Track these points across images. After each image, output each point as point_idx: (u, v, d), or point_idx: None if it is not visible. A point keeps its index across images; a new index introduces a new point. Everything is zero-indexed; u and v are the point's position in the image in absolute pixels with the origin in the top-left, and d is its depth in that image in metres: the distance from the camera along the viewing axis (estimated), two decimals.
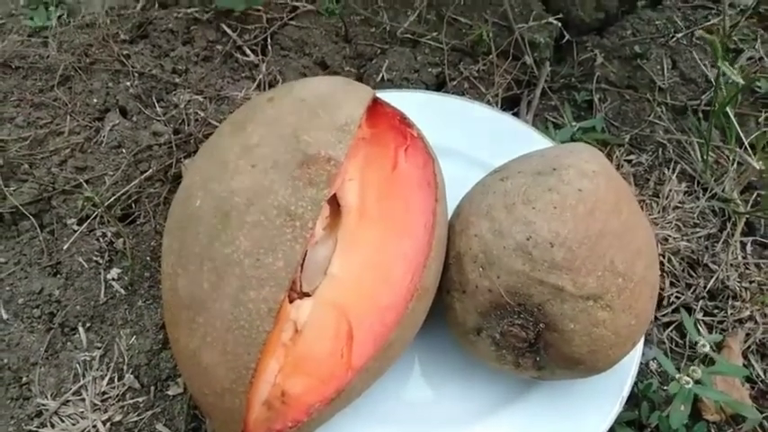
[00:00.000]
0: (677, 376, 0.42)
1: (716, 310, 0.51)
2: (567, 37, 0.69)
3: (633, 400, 0.45)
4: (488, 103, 0.62)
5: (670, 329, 0.50)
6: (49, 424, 0.45)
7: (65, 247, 0.53)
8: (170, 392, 0.46)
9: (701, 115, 0.62)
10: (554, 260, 0.35)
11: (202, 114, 0.61)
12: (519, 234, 0.36)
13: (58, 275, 0.52)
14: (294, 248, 0.32)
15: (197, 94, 0.63)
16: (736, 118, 0.60)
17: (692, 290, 0.52)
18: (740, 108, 0.63)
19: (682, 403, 0.41)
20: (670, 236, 0.54)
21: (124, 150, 0.59)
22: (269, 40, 0.67)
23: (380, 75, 0.64)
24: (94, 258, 0.53)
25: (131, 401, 0.46)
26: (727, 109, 0.60)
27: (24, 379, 0.47)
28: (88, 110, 0.62)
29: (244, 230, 0.32)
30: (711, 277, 0.52)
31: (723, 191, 0.57)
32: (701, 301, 0.51)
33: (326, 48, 0.67)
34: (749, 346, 0.49)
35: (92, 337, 0.49)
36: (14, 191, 0.55)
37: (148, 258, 0.53)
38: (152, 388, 0.47)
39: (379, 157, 0.39)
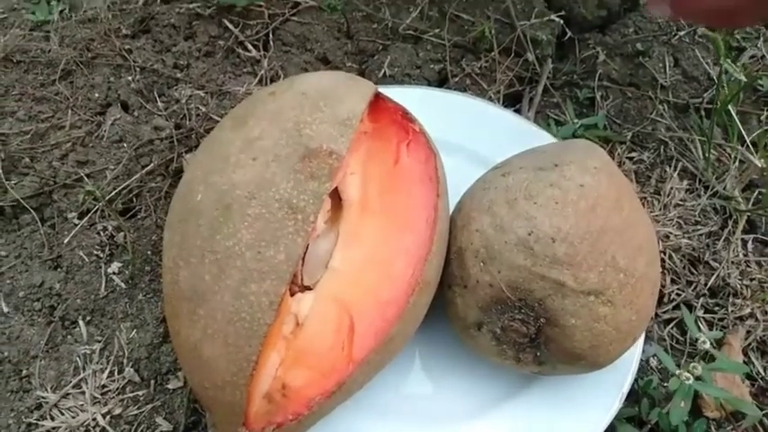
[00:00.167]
0: (677, 372, 0.42)
1: (716, 308, 0.51)
2: (570, 34, 0.69)
3: (633, 396, 0.45)
4: (490, 99, 0.62)
5: (671, 326, 0.50)
6: (48, 417, 0.45)
7: (65, 241, 0.53)
8: (170, 386, 0.46)
9: (702, 113, 0.62)
10: (555, 255, 0.35)
11: (204, 109, 0.61)
12: (520, 229, 0.36)
13: (59, 269, 0.52)
14: (296, 242, 0.32)
15: (198, 89, 0.63)
16: (737, 116, 0.60)
17: (692, 287, 0.52)
18: (742, 106, 0.63)
19: (682, 400, 0.41)
20: (671, 233, 0.54)
21: (125, 145, 0.59)
22: (271, 35, 0.67)
23: (382, 71, 0.64)
24: (95, 252, 0.53)
25: (131, 395, 0.46)
26: (729, 107, 0.60)
27: (24, 372, 0.47)
28: (89, 104, 0.62)
29: (245, 223, 0.32)
30: (712, 275, 0.52)
31: (724, 188, 0.57)
32: (701, 299, 0.51)
33: (328, 43, 0.67)
34: (750, 344, 0.49)
35: (92, 330, 0.49)
36: (15, 184, 0.55)
37: (149, 252, 0.53)
38: (152, 381, 0.47)
39: (381, 152, 0.39)
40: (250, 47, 0.66)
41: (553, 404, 0.42)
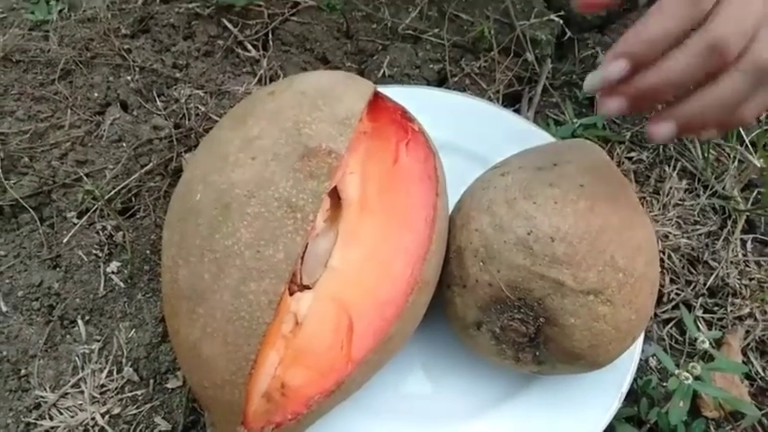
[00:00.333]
0: (677, 372, 0.42)
1: (716, 308, 0.51)
2: (569, 34, 0.69)
3: (632, 396, 0.45)
4: (490, 99, 0.62)
5: (670, 326, 0.50)
6: (47, 416, 0.45)
7: (64, 241, 0.53)
8: (169, 385, 0.46)
9: None
10: (555, 255, 0.35)
11: (203, 109, 0.61)
12: (520, 229, 0.36)
13: (58, 268, 0.52)
14: (295, 240, 0.32)
15: (198, 88, 0.63)
16: None
17: (692, 287, 0.52)
18: None
19: (681, 399, 0.41)
20: (670, 233, 0.54)
21: (124, 144, 0.59)
22: (270, 35, 0.67)
23: (382, 71, 0.64)
24: (94, 251, 0.53)
25: (130, 394, 0.46)
26: None
27: (23, 371, 0.47)
28: (89, 104, 0.62)
29: (244, 222, 0.32)
30: (711, 274, 0.52)
31: (724, 188, 0.57)
32: (700, 299, 0.51)
33: (328, 43, 0.67)
34: (749, 344, 0.49)
35: (91, 329, 0.49)
36: (15, 184, 0.55)
37: (148, 252, 0.53)
38: (151, 381, 0.47)
39: (380, 151, 0.39)
40: (249, 47, 0.66)
41: (552, 404, 0.42)
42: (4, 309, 0.49)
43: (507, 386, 0.43)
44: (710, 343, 0.44)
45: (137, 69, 0.64)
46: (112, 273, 0.52)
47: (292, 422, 0.33)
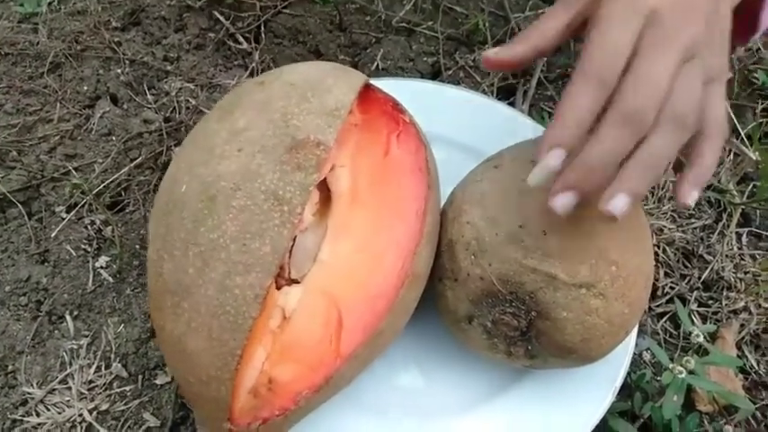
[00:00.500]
0: (671, 367, 0.41)
1: (710, 301, 0.51)
2: None
3: (626, 390, 0.45)
4: (484, 92, 0.62)
5: (664, 320, 0.50)
6: (34, 413, 0.45)
7: (53, 235, 0.52)
8: (158, 381, 0.46)
9: None
10: (547, 248, 0.35)
11: (194, 102, 0.60)
12: (512, 222, 0.36)
13: (46, 263, 0.51)
14: (281, 234, 0.31)
15: (188, 81, 0.62)
16: (732, 109, 0.60)
17: (686, 280, 0.52)
18: (737, 99, 0.62)
19: (675, 393, 0.41)
20: (665, 226, 0.54)
21: (114, 138, 0.58)
22: (262, 27, 0.66)
23: (375, 63, 0.64)
24: (83, 246, 0.52)
25: (118, 390, 0.46)
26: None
27: (10, 367, 0.46)
28: (78, 97, 0.61)
29: (230, 215, 0.31)
30: (706, 268, 0.52)
31: (719, 182, 0.57)
32: (695, 292, 0.51)
33: (321, 36, 0.66)
34: (743, 337, 0.49)
35: (79, 325, 0.48)
36: (2, 178, 0.55)
37: (137, 246, 0.52)
38: (140, 377, 0.46)
39: (370, 143, 0.39)
40: (241, 39, 0.66)
41: (545, 398, 0.42)
42: None
43: (500, 380, 0.42)
44: (705, 337, 0.44)
45: (127, 62, 0.63)
46: (101, 268, 0.51)
47: (280, 418, 0.33)
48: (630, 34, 0.32)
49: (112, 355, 0.47)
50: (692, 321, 0.49)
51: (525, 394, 0.42)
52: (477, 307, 0.37)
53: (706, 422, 0.45)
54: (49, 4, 0.68)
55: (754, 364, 0.48)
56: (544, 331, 0.36)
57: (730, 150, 0.59)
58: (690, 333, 0.44)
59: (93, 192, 0.54)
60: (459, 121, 0.54)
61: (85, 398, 0.45)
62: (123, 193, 0.55)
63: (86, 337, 0.48)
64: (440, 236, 0.39)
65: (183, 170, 0.34)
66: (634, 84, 0.31)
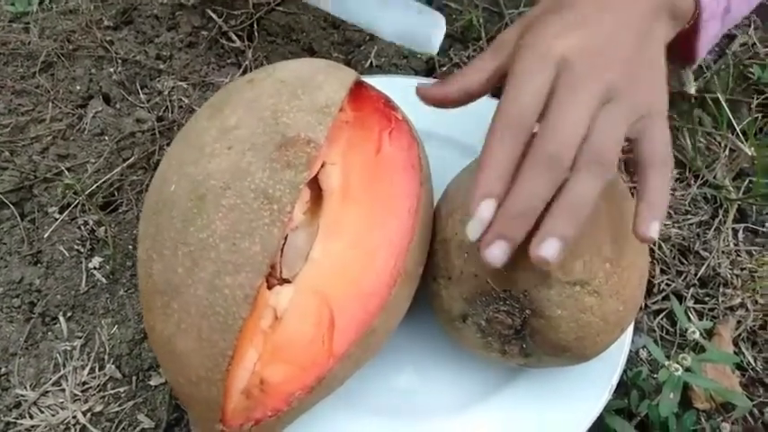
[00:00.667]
0: (667, 364, 0.41)
1: (707, 298, 0.51)
2: None
3: (622, 388, 0.45)
4: None
5: (660, 317, 0.50)
6: (27, 415, 0.44)
7: (46, 236, 0.52)
8: (152, 382, 0.46)
9: (692, 101, 0.61)
10: None
11: (186, 101, 0.60)
12: None
13: (39, 264, 0.51)
14: (272, 232, 0.31)
15: (181, 80, 0.62)
16: (727, 104, 0.59)
17: (682, 277, 0.51)
18: (732, 94, 0.62)
19: (671, 391, 0.40)
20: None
21: (107, 138, 0.58)
22: (255, 25, 0.66)
23: (369, 61, 0.63)
24: (76, 247, 0.52)
25: (112, 392, 0.45)
26: (719, 95, 0.59)
27: (3, 369, 0.46)
28: (71, 97, 0.60)
29: (219, 214, 0.31)
30: (702, 264, 0.52)
31: (715, 177, 0.57)
32: (691, 289, 0.51)
33: (314, 34, 0.66)
34: (740, 334, 0.49)
35: (72, 326, 0.48)
36: None
37: (130, 247, 0.52)
38: (134, 378, 0.46)
39: (362, 141, 0.38)
40: (234, 37, 0.65)
41: (541, 396, 0.41)
42: None
43: (495, 379, 0.42)
44: (701, 333, 0.44)
45: (119, 61, 0.63)
46: (94, 268, 0.51)
47: (272, 419, 0.33)
48: (542, 84, 0.33)
49: (106, 357, 0.47)
50: (689, 318, 0.49)
51: (520, 393, 0.41)
52: (472, 306, 0.37)
53: (703, 419, 0.45)
54: (40, 3, 0.68)
55: (752, 361, 0.48)
56: (538, 329, 0.36)
57: (726, 146, 0.59)
58: (686, 330, 0.43)
59: (86, 192, 0.53)
60: (453, 118, 0.53)
61: (79, 399, 0.45)
62: (116, 194, 0.55)
63: (80, 338, 0.47)
64: (433, 234, 0.39)
65: (173, 169, 0.34)
66: (547, 130, 0.32)
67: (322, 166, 0.36)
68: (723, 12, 0.41)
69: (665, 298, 0.50)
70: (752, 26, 0.68)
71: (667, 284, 0.51)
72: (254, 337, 0.33)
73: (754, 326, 0.49)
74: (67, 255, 0.51)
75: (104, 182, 0.55)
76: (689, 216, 0.55)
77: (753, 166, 0.58)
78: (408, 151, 0.38)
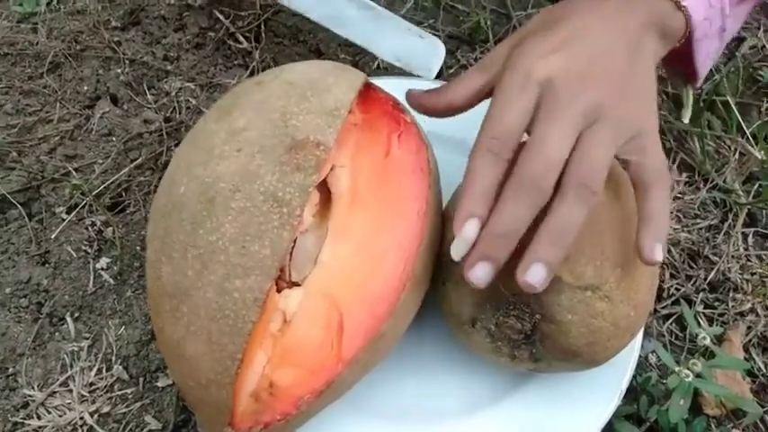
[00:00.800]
0: (677, 370, 0.41)
1: (716, 303, 0.50)
2: None
3: (632, 393, 0.44)
4: None
5: (670, 322, 0.49)
6: (35, 415, 0.44)
7: (53, 236, 0.52)
8: (159, 384, 0.46)
9: (701, 104, 0.61)
10: None
11: (194, 102, 0.60)
12: None
13: (47, 265, 0.51)
14: (281, 236, 0.31)
15: (189, 81, 0.62)
16: (737, 107, 0.59)
17: (692, 282, 0.51)
18: (742, 97, 0.62)
19: (681, 397, 0.40)
20: (670, 227, 0.53)
21: (114, 138, 0.58)
22: (263, 26, 0.66)
23: (376, 62, 0.63)
24: (83, 247, 0.52)
25: (120, 393, 0.45)
26: (729, 98, 0.59)
27: (11, 369, 0.46)
28: (78, 97, 0.61)
29: (229, 217, 0.31)
30: (712, 269, 0.51)
31: (724, 181, 0.56)
32: (701, 294, 0.50)
33: (321, 35, 0.66)
34: (750, 340, 0.48)
35: (80, 327, 0.48)
36: (2, 179, 0.54)
37: (138, 248, 0.52)
38: (141, 379, 0.46)
39: (371, 143, 0.38)
40: (241, 38, 0.65)
41: (549, 402, 0.41)
42: None
43: (503, 384, 0.42)
44: (711, 339, 0.43)
45: (127, 62, 0.63)
46: (102, 269, 0.51)
47: (281, 422, 0.32)
48: (524, 106, 0.33)
49: (113, 358, 0.47)
50: (698, 323, 0.49)
51: (529, 398, 0.41)
52: (481, 310, 0.37)
53: (713, 426, 0.44)
54: (48, 3, 0.68)
55: (762, 367, 0.47)
56: (549, 334, 0.35)
57: (735, 149, 0.58)
58: (696, 335, 0.43)
59: (94, 193, 0.54)
60: (461, 120, 0.53)
61: (86, 400, 0.45)
62: (124, 194, 0.55)
63: (87, 339, 0.47)
64: (442, 237, 0.39)
65: (182, 171, 0.34)
66: (529, 153, 0.32)
67: (331, 168, 0.36)
68: (718, 30, 0.41)
69: (675, 302, 0.50)
70: (761, 28, 0.68)
71: (677, 289, 0.51)
72: (264, 340, 0.33)
73: (764, 331, 0.49)
74: (75, 255, 0.51)
75: (112, 182, 0.55)
76: (698, 220, 0.54)
77: (763, 169, 0.57)
78: (417, 154, 0.38)
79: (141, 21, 0.67)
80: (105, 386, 0.45)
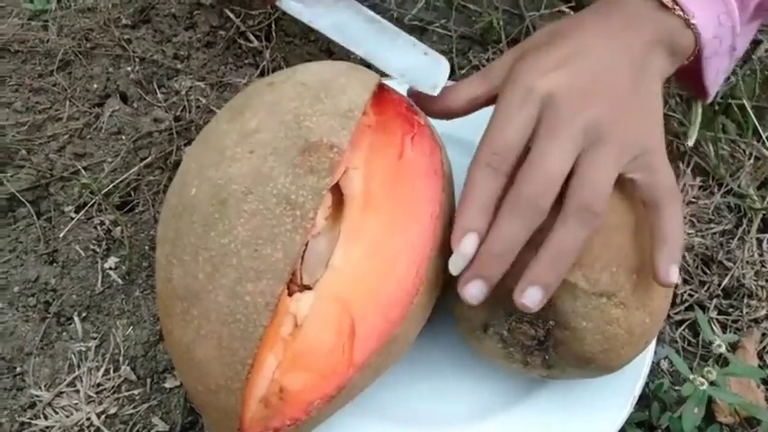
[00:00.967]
0: (691, 377, 0.40)
1: (731, 309, 0.50)
2: None
3: (643, 400, 0.44)
4: None
5: (682, 328, 0.49)
6: (42, 415, 0.44)
7: (62, 235, 0.52)
8: (167, 385, 0.45)
9: (716, 107, 0.60)
10: None
11: (204, 101, 0.60)
12: None
13: (55, 264, 0.51)
14: (294, 239, 0.30)
15: (199, 80, 0.62)
16: (753, 111, 0.58)
17: (705, 287, 0.50)
18: (758, 101, 0.61)
19: (696, 406, 0.40)
20: (684, 231, 0.53)
21: (124, 137, 0.58)
22: (273, 26, 0.66)
23: None
24: (92, 247, 0.51)
25: (127, 394, 0.45)
26: (744, 101, 0.58)
27: (18, 369, 0.46)
28: (88, 95, 0.60)
29: (241, 219, 0.31)
30: (726, 275, 0.51)
31: (739, 186, 0.56)
32: (715, 300, 0.50)
33: None
34: (765, 347, 0.48)
35: (87, 327, 0.48)
36: (11, 177, 0.54)
37: (146, 247, 0.51)
38: (148, 380, 0.45)
39: (384, 145, 0.38)
40: (252, 37, 0.65)
41: (562, 408, 0.41)
42: (0, 305, 0.48)
43: (515, 390, 0.41)
44: (726, 346, 0.43)
45: (137, 60, 0.62)
46: (110, 269, 0.50)
47: (291, 428, 0.32)
48: (525, 121, 0.33)
49: (121, 358, 0.46)
50: (712, 330, 0.48)
51: (541, 404, 0.41)
52: (494, 315, 0.36)
53: None
54: (59, 1, 0.67)
55: None
56: (562, 341, 0.35)
57: (751, 154, 0.57)
58: (711, 343, 0.42)
59: (103, 191, 0.53)
60: (473, 122, 0.53)
61: (94, 401, 0.45)
62: (133, 193, 0.55)
63: (95, 339, 0.47)
64: None
65: (193, 172, 0.34)
66: (526, 172, 0.32)
67: (344, 171, 0.36)
68: (729, 49, 0.40)
69: (688, 308, 0.49)
70: None
71: (690, 295, 0.50)
72: (274, 344, 0.32)
73: None
74: (83, 254, 0.51)
75: (121, 181, 0.54)
76: (712, 225, 0.54)
77: None
78: (431, 156, 0.37)
79: (152, 19, 0.66)
80: (112, 387, 0.45)
